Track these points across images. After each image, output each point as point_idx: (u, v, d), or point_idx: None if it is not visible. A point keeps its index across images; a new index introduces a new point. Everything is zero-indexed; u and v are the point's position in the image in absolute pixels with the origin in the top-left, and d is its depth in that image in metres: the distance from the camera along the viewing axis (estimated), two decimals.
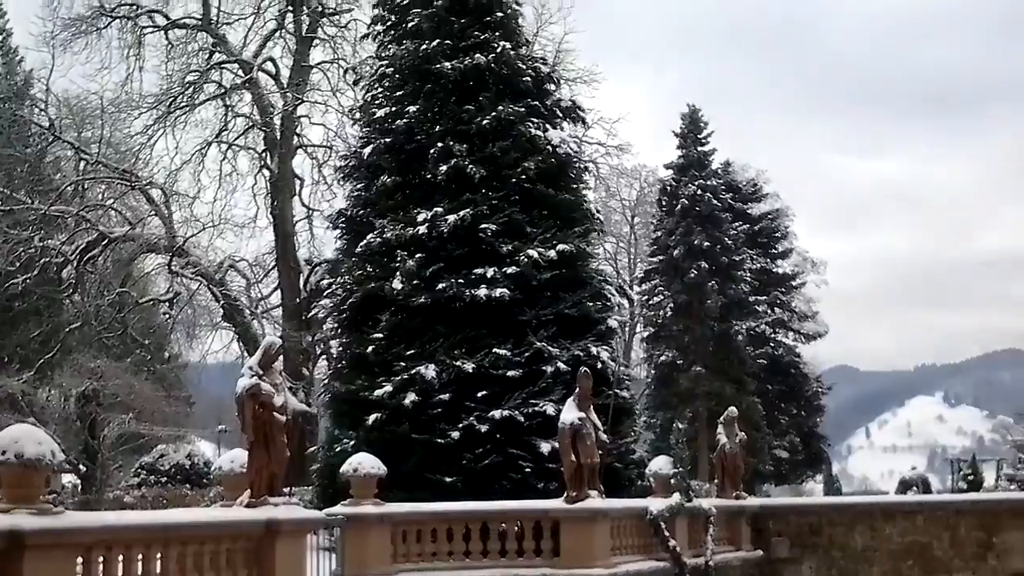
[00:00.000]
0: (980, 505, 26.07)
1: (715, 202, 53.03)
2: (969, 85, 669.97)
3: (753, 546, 26.09)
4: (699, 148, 54.62)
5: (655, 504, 22.10)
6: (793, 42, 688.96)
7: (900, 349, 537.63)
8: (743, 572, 25.03)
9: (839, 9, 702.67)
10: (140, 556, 13.95)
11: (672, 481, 23.54)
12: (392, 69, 34.34)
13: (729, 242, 53.36)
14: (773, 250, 62.14)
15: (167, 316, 53.40)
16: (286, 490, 16.86)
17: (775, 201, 63.74)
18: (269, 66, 51.31)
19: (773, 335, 59.92)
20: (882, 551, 25.37)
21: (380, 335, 31.08)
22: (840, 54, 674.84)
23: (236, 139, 51.20)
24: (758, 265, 59.06)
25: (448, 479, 28.77)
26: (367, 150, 33.59)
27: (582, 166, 35.86)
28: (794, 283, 62.65)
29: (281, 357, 17.35)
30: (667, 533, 21.50)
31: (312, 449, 39.10)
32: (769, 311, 59.62)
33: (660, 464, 24.78)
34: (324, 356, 47.81)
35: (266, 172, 50.38)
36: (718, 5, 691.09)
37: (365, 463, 20.93)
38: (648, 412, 54.23)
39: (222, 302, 49.19)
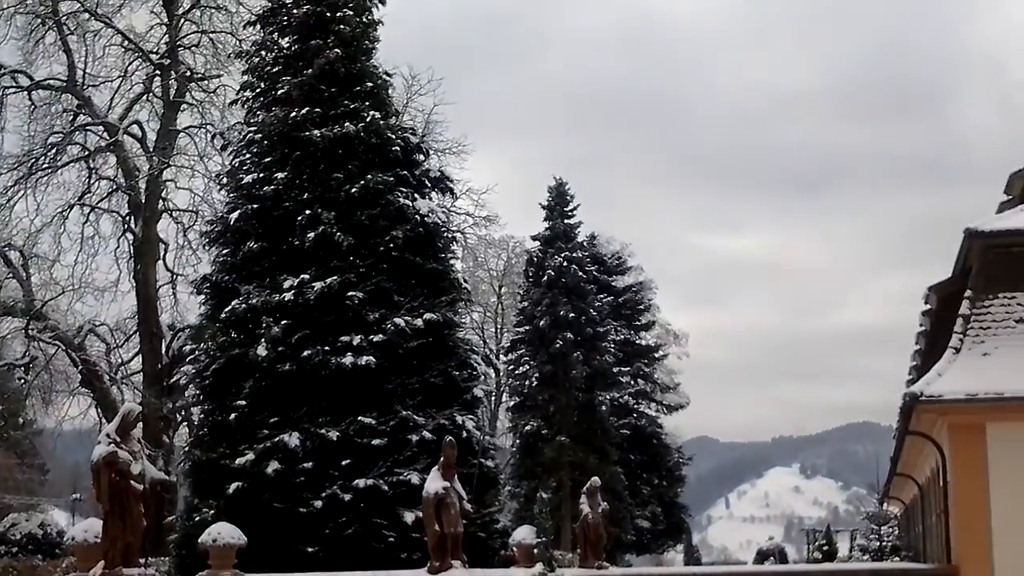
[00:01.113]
0: (835, 575, 26.59)
1: (581, 274, 53.70)
2: (825, 165, 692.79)
3: None
4: (565, 220, 55.36)
5: (518, 574, 22.13)
6: (659, 119, 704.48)
7: (758, 421, 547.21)
8: None
9: (700, 88, 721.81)
10: None
11: (535, 551, 23.60)
12: (261, 135, 34.28)
13: (594, 313, 54.01)
14: (637, 322, 63.09)
15: (23, 381, 51.86)
16: (142, 561, 16.51)
17: (639, 274, 64.90)
18: (135, 129, 50.68)
19: (636, 406, 60.67)
20: None
21: (243, 402, 30.72)
22: (702, 132, 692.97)
23: (99, 202, 50.29)
24: (622, 336, 59.87)
25: (310, 549, 28.45)
26: (234, 215, 33.38)
27: (450, 236, 36.13)
28: (657, 355, 63.64)
29: (140, 424, 17.05)
30: None
31: (170, 518, 38.24)
32: (632, 382, 60.39)
33: (523, 534, 24.83)
34: (185, 423, 46.94)
35: (129, 236, 49.54)
36: (587, 80, 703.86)
37: (224, 533, 20.57)
38: (513, 482, 54.25)
39: (80, 367, 48.01)
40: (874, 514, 62.35)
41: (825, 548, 77.02)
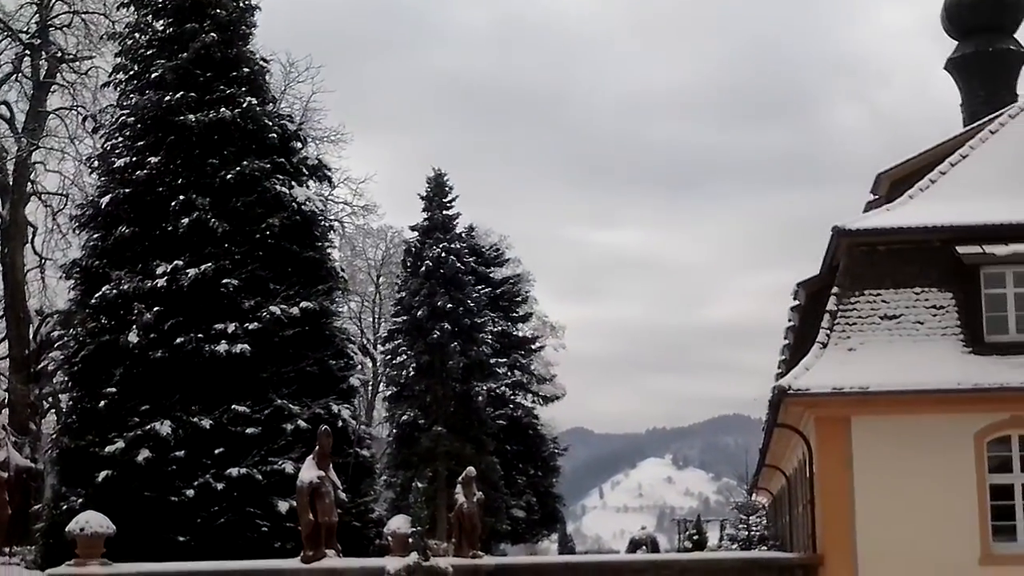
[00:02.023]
0: (703, 564, 27.03)
1: (459, 265, 53.66)
2: (702, 163, 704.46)
3: None
4: (444, 211, 55.23)
5: (392, 563, 22.12)
6: (539, 114, 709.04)
7: (633, 413, 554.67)
8: None
9: (580, 85, 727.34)
10: None
11: (410, 540, 23.61)
12: (134, 119, 33.68)
13: (472, 304, 54.03)
14: (514, 313, 63.32)
15: None
16: (6, 550, 16.15)
17: (517, 266, 65.13)
18: (3, 109, 49.38)
19: (513, 396, 60.92)
20: None
21: (113, 389, 30.20)
22: (582, 128, 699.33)
23: None
24: (499, 328, 60.03)
25: (182, 538, 28.11)
26: (105, 199, 32.75)
27: (327, 224, 35.95)
28: (534, 346, 63.93)
29: (6, 411, 16.67)
30: None
31: (37, 507, 37.38)
32: (509, 373, 60.62)
33: (398, 523, 24.82)
34: (53, 410, 45.89)
35: None
36: (468, 74, 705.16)
37: (93, 521, 20.24)
38: (389, 471, 54.00)
39: None
40: (743, 504, 63.51)
41: (695, 537, 78.43)
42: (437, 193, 55.60)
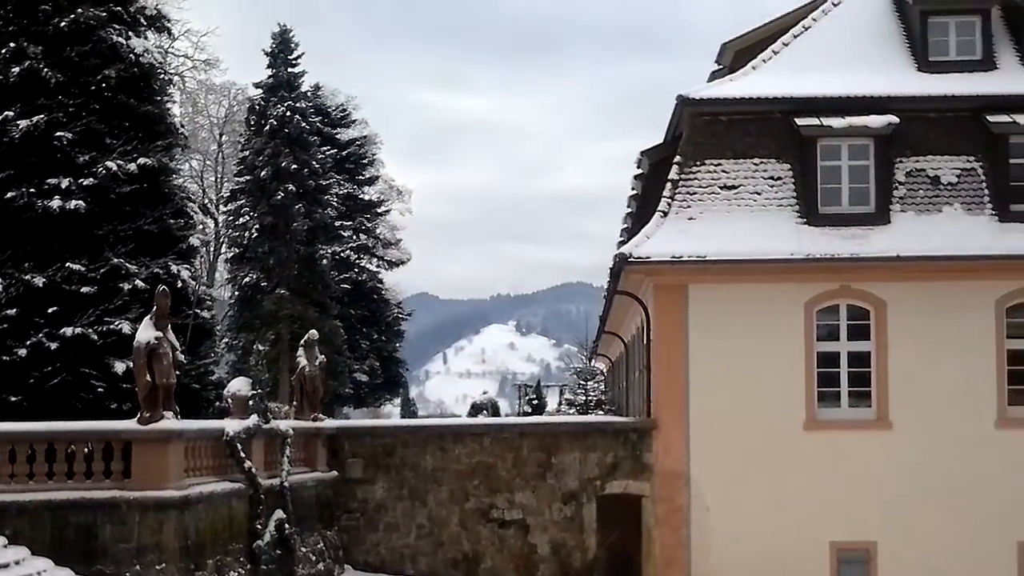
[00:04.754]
0: (541, 428, 27.52)
1: (304, 125, 52.69)
2: (549, 30, 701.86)
3: (329, 467, 26.47)
4: (289, 69, 53.98)
5: (232, 426, 21.97)
6: None
7: (477, 279, 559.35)
8: (318, 492, 25.38)
9: None
10: None
11: (250, 403, 23.46)
12: None
13: (317, 166, 53.29)
14: (360, 176, 62.71)
15: None
16: None
17: (363, 128, 64.28)
18: None
19: (357, 260, 60.71)
20: (450, 471, 26.41)
21: None
22: None
23: None
24: (345, 191, 59.44)
25: (14, 399, 27.49)
26: None
27: (167, 78, 34.82)
28: (379, 210, 63.58)
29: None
30: (243, 455, 21.39)
31: None
32: (354, 236, 60.28)
33: (238, 385, 24.63)
34: None
35: None
36: None
37: None
38: (230, 334, 53.48)
39: None
40: (582, 370, 64.85)
41: (535, 402, 79.97)
42: (282, 50, 54.26)
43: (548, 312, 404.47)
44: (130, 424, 19.07)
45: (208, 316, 34.37)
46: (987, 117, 26.00)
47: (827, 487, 25.45)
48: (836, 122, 25.91)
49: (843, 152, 26.11)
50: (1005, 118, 25.90)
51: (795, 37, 28.54)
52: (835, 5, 29.21)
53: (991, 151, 26.05)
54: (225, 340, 52.26)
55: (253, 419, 22.30)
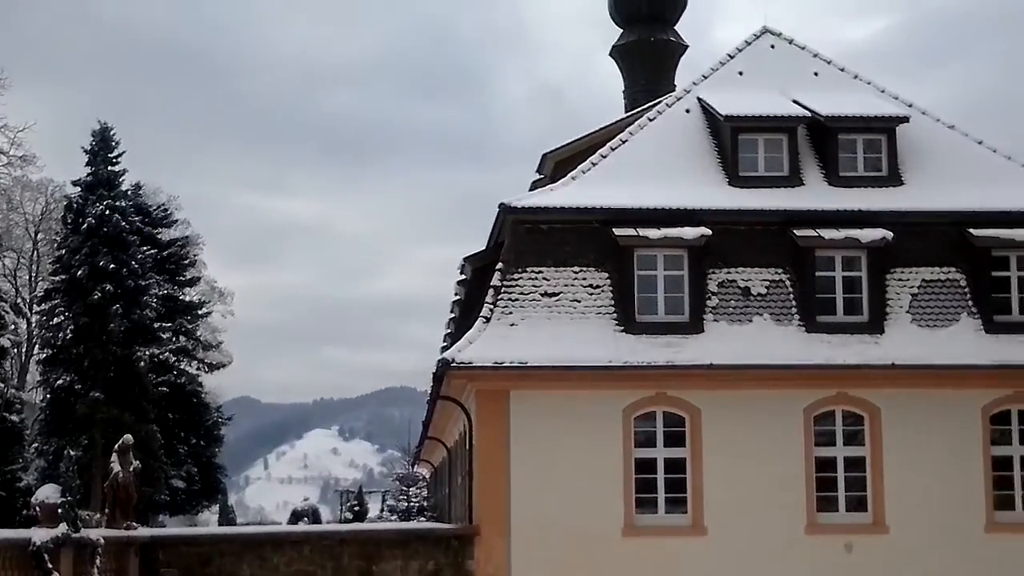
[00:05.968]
0: (362, 535, 27.14)
1: (124, 224, 51.75)
2: (376, 136, 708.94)
3: None
4: (109, 167, 53.14)
5: (39, 534, 21.19)
6: (212, 77, 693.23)
7: (300, 383, 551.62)
8: None
9: (258, 51, 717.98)
10: None
11: (59, 510, 22.69)
12: None
13: (136, 266, 52.28)
14: (181, 277, 61.68)
15: None
16: None
17: (185, 228, 63.45)
18: None
19: (177, 363, 59.37)
20: None
21: None
22: (258, 95, 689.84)
23: None
24: (165, 291, 58.34)
25: None
26: None
27: None
28: (200, 312, 62.54)
29: None
30: (50, 565, 20.63)
31: None
32: (174, 339, 59.04)
33: (47, 492, 23.77)
34: None
35: None
36: (139, 29, 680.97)
37: None
38: (41, 438, 51.63)
39: None
40: (404, 476, 64.47)
41: (356, 508, 78.98)
42: (103, 148, 53.41)
43: (372, 416, 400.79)
44: None
45: (17, 420, 33.29)
46: (794, 231, 27.07)
47: None
48: (652, 233, 26.59)
49: (659, 262, 26.79)
50: (811, 232, 26.99)
51: (612, 150, 29.37)
52: (651, 120, 30.26)
53: (798, 264, 27.06)
54: (35, 445, 50.43)
55: (62, 528, 21.57)
